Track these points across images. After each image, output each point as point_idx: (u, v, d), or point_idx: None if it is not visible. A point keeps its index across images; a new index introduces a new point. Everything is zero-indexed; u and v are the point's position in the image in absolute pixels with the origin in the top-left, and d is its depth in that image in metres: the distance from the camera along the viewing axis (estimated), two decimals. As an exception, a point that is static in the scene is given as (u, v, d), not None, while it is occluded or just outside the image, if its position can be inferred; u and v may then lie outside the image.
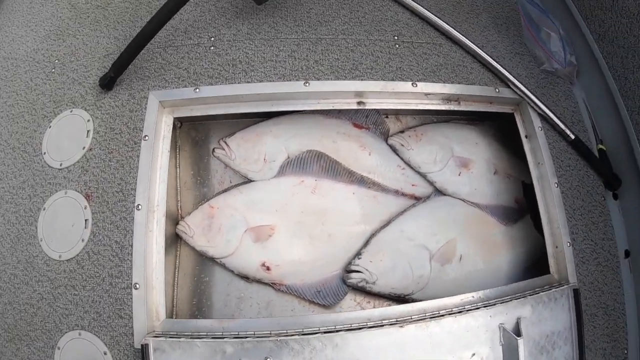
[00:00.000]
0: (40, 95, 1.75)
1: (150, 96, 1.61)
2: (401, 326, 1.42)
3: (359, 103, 1.68)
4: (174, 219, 1.70)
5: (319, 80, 1.65)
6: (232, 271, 1.69)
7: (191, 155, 1.81)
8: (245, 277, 1.70)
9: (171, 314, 1.60)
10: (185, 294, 1.69)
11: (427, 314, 1.49)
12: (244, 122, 1.80)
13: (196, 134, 1.83)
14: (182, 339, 1.33)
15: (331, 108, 1.66)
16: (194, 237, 1.65)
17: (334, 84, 1.64)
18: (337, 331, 1.39)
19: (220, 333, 1.38)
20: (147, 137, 1.57)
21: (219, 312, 1.68)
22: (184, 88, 1.63)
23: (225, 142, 1.74)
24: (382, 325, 1.43)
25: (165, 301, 1.51)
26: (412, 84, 1.69)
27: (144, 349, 1.31)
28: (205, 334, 1.37)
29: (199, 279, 1.71)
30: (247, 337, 1.34)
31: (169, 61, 1.67)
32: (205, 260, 1.72)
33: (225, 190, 1.74)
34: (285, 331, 1.39)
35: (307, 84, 1.63)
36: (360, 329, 1.41)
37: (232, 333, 1.38)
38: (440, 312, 1.50)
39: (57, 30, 1.85)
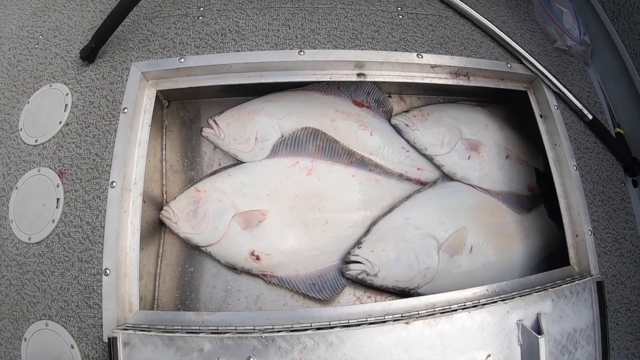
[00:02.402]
0: (21, 71, 1.49)
1: (132, 67, 1.35)
2: (407, 322, 1.15)
3: (359, 75, 1.39)
4: (158, 204, 1.44)
5: (315, 49, 1.36)
6: (219, 261, 1.42)
7: (179, 137, 1.53)
8: (233, 268, 1.42)
9: (152, 306, 1.37)
10: (168, 285, 1.42)
11: (436, 309, 1.20)
12: (235, 100, 1.52)
13: (185, 114, 1.55)
14: (152, 333, 1.07)
15: (328, 80, 1.38)
16: (178, 223, 1.38)
17: (331, 53, 1.37)
18: (332, 328, 1.12)
19: (197, 328, 1.12)
20: (126, 110, 1.31)
21: (203, 306, 1.41)
22: (168, 58, 1.36)
23: (214, 121, 1.46)
24: (385, 322, 1.15)
25: (146, 292, 1.31)
26: (418, 55, 1.41)
27: (111, 343, 1.06)
28: (180, 327, 1.12)
29: (184, 269, 1.44)
30: (227, 333, 1.08)
31: (155, 32, 1.42)
32: (190, 249, 1.45)
33: (213, 173, 1.46)
34: (271, 327, 1.13)
35: (302, 53, 1.35)
36: (358, 325, 1.14)
37: (210, 328, 1.13)
38: (452, 306, 1.20)
39: (44, 6, 1.60)
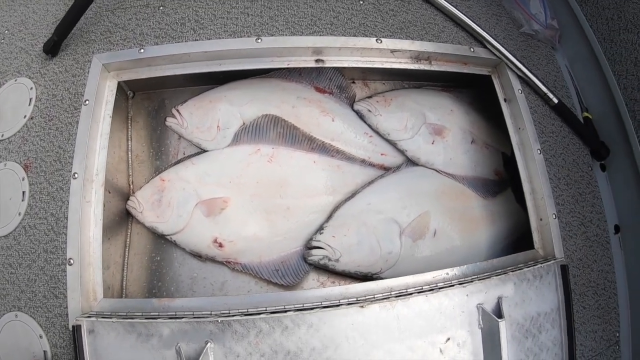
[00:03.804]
0: (-12, 68, 1.41)
1: (94, 59, 1.28)
2: (362, 306, 1.07)
3: (317, 61, 1.31)
4: (125, 195, 1.37)
5: (272, 36, 1.28)
6: (184, 249, 1.35)
7: (144, 127, 1.46)
8: (198, 255, 1.35)
9: (120, 295, 1.31)
10: (136, 275, 1.35)
11: (392, 293, 1.11)
12: (200, 89, 1.45)
13: (149, 104, 1.47)
14: (114, 320, 1.02)
15: (286, 66, 1.29)
16: (143, 212, 1.32)
17: (289, 40, 1.28)
18: (286, 312, 1.05)
19: (157, 314, 1.07)
20: (87, 102, 1.24)
21: (170, 294, 1.35)
22: (128, 49, 1.28)
23: (177, 110, 1.39)
24: (339, 305, 1.06)
25: (113, 282, 1.26)
26: (377, 40, 1.32)
27: (75, 330, 1.01)
28: (140, 314, 1.07)
29: (151, 258, 1.37)
30: (183, 318, 1.02)
31: (116, 23, 1.34)
32: (157, 238, 1.38)
33: (178, 162, 1.39)
34: (227, 311, 1.07)
35: (259, 40, 1.27)
36: (312, 309, 1.07)
37: (168, 313, 1.07)
38: (409, 290, 1.12)
39: (10, 0, 1.52)
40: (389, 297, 1.09)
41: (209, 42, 1.27)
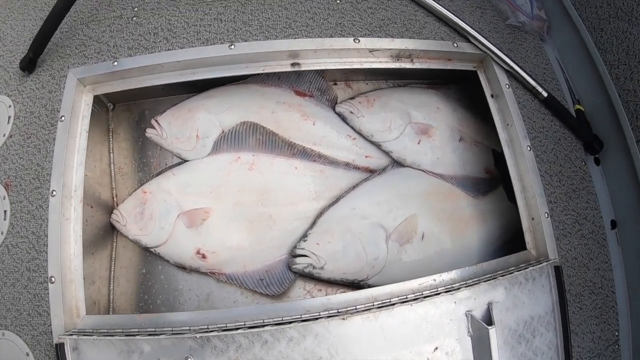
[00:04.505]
0: (-33, 87, 1.36)
1: (69, 74, 1.21)
2: (343, 318, 0.98)
3: (293, 64, 1.22)
4: (109, 208, 1.31)
5: (246, 41, 1.20)
6: (168, 261, 1.28)
7: (126, 139, 1.39)
8: (182, 267, 1.28)
9: (107, 310, 1.25)
10: (122, 288, 1.29)
11: (375, 303, 1.03)
12: (179, 98, 1.37)
13: (130, 115, 1.40)
14: (94, 337, 0.97)
15: (262, 72, 1.20)
16: (126, 225, 1.25)
17: (263, 44, 1.20)
18: (264, 326, 0.98)
19: (137, 330, 1.01)
20: (63, 118, 1.17)
21: (157, 307, 1.29)
22: (102, 62, 1.21)
23: (156, 121, 1.31)
24: (318, 318, 0.98)
25: (99, 297, 1.21)
26: (355, 39, 1.22)
27: (59, 349, 0.97)
28: (121, 330, 1.01)
29: (137, 271, 1.31)
30: (162, 334, 0.97)
31: (90, 36, 1.27)
32: (142, 251, 1.31)
33: (159, 173, 1.31)
34: (206, 327, 1.01)
35: (233, 47, 1.19)
36: (291, 322, 0.99)
37: (147, 330, 1.01)
38: (393, 299, 1.03)
39: (-14, 18, 1.46)
40: (370, 308, 1.00)
41: (181, 52, 1.19)
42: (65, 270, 1.08)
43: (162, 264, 1.30)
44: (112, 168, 1.36)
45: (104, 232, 1.26)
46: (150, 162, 1.38)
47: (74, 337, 0.97)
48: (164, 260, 1.28)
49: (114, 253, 1.31)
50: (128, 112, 1.39)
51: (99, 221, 1.24)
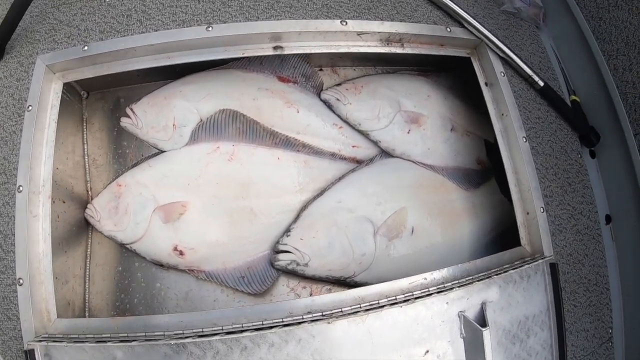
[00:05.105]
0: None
1: (38, 61, 1.07)
2: (328, 322, 0.87)
3: (275, 48, 1.08)
4: (83, 203, 1.17)
5: (225, 23, 1.06)
6: (145, 258, 1.15)
7: (101, 129, 1.25)
8: (159, 264, 1.16)
9: (83, 310, 1.13)
10: (98, 287, 1.17)
11: (362, 306, 0.91)
12: (157, 85, 1.23)
13: (104, 104, 1.25)
14: (64, 344, 0.87)
15: (241, 56, 1.07)
16: (101, 221, 1.12)
17: (242, 26, 1.06)
18: (243, 331, 0.87)
19: (109, 335, 0.90)
20: (30, 108, 1.03)
21: (134, 306, 1.17)
22: (72, 47, 1.07)
23: (131, 109, 1.17)
24: (302, 322, 0.87)
25: (74, 296, 1.09)
26: (342, 22, 1.09)
27: (29, 355, 0.88)
28: (92, 336, 0.90)
29: (113, 269, 1.19)
30: (135, 340, 0.86)
31: (61, 20, 1.12)
32: (119, 247, 1.19)
33: (135, 165, 1.18)
34: (181, 332, 0.89)
35: (210, 29, 1.05)
36: (271, 327, 0.88)
37: (119, 335, 0.90)
38: (381, 300, 0.92)
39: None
40: (358, 311, 0.89)
41: (154, 34, 1.05)
42: (34, 271, 0.96)
43: (139, 261, 1.18)
44: (87, 160, 1.22)
45: (77, 228, 1.14)
46: (126, 153, 1.24)
47: (43, 343, 0.88)
48: (141, 257, 1.15)
49: (89, 250, 1.18)
50: (103, 101, 1.25)
51: (71, 217, 1.11)
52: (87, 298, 1.15)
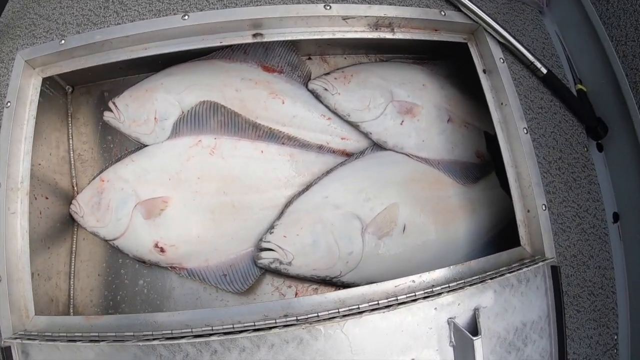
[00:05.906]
0: None
1: (17, 56, 0.99)
2: (304, 328, 0.78)
3: (255, 35, 0.97)
4: (69, 199, 1.10)
5: (201, 10, 0.95)
6: (127, 255, 1.08)
7: (86, 123, 1.17)
8: (142, 261, 1.08)
9: (67, 307, 1.08)
10: (83, 284, 1.11)
11: (341, 310, 0.80)
12: (140, 78, 1.14)
13: (89, 98, 1.17)
14: (37, 342, 0.83)
15: (219, 45, 0.96)
16: (84, 217, 1.05)
17: (220, 13, 0.95)
18: (211, 335, 0.79)
19: (80, 334, 0.85)
20: (9, 104, 0.96)
21: (117, 304, 1.10)
22: (50, 42, 0.99)
23: (114, 103, 1.09)
24: (273, 327, 0.77)
25: (58, 293, 1.04)
26: (325, 5, 0.97)
27: (5, 352, 0.84)
28: (65, 335, 0.85)
29: (98, 265, 1.12)
30: (104, 341, 0.80)
31: (41, 14, 1.04)
32: (103, 244, 1.12)
33: (118, 160, 1.10)
34: (150, 333, 0.82)
35: (186, 17, 0.94)
36: (241, 332, 0.79)
37: (90, 335, 0.84)
38: (361, 305, 0.81)
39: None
40: (335, 317, 0.78)
41: (130, 25, 0.96)
42: (12, 268, 0.90)
43: (122, 258, 1.11)
44: (72, 155, 1.15)
45: (62, 225, 1.07)
46: (111, 147, 1.16)
47: (19, 340, 0.83)
48: (124, 253, 1.08)
49: (74, 246, 1.11)
50: (88, 95, 1.17)
51: (56, 213, 1.05)
52: (71, 294, 1.09)
